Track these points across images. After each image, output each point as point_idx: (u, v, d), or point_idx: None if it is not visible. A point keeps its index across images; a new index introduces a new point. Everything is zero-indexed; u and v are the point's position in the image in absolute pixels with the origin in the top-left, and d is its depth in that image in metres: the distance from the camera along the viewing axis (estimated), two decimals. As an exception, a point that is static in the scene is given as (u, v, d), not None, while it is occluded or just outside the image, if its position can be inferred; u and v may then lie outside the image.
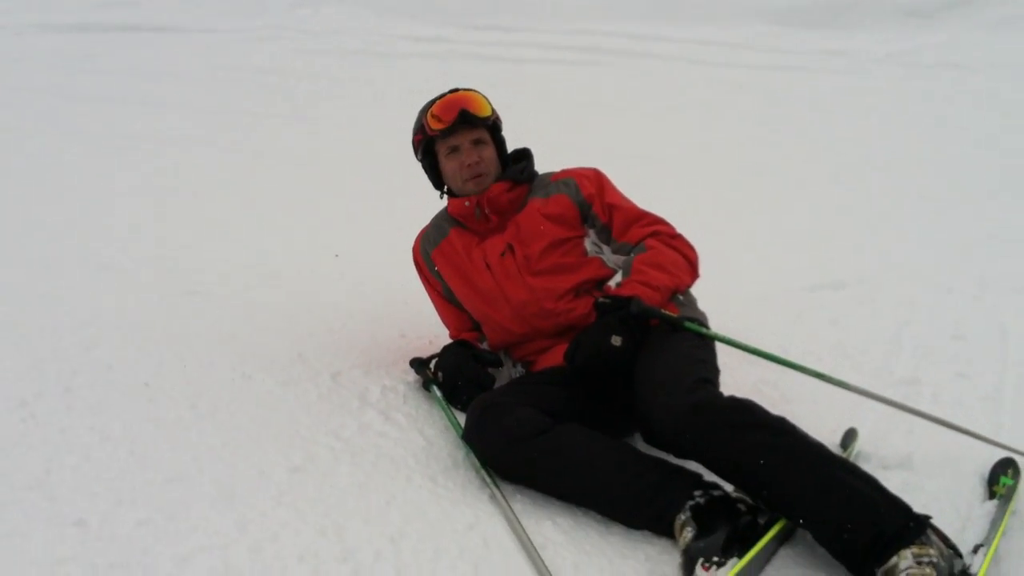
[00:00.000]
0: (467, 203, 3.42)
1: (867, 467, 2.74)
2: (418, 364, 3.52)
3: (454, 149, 3.39)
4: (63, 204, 6.07)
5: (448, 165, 3.42)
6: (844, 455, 2.98)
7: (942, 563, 2.23)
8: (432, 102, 3.43)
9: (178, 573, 2.21)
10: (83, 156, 7.61)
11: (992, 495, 2.86)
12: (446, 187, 3.54)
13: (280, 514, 2.49)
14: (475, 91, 3.46)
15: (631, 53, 12.74)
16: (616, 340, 2.93)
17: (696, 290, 3.41)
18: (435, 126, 3.35)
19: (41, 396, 3.02)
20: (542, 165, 3.62)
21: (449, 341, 3.61)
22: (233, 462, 2.75)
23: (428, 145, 3.45)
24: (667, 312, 3.07)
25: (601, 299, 3.10)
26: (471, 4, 15.01)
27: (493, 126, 3.46)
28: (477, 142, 3.40)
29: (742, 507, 2.50)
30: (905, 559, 2.22)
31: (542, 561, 2.36)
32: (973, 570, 2.32)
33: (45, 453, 2.68)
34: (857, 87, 10.86)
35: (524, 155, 3.58)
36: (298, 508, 2.53)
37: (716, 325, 3.31)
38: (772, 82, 11.24)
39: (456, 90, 3.45)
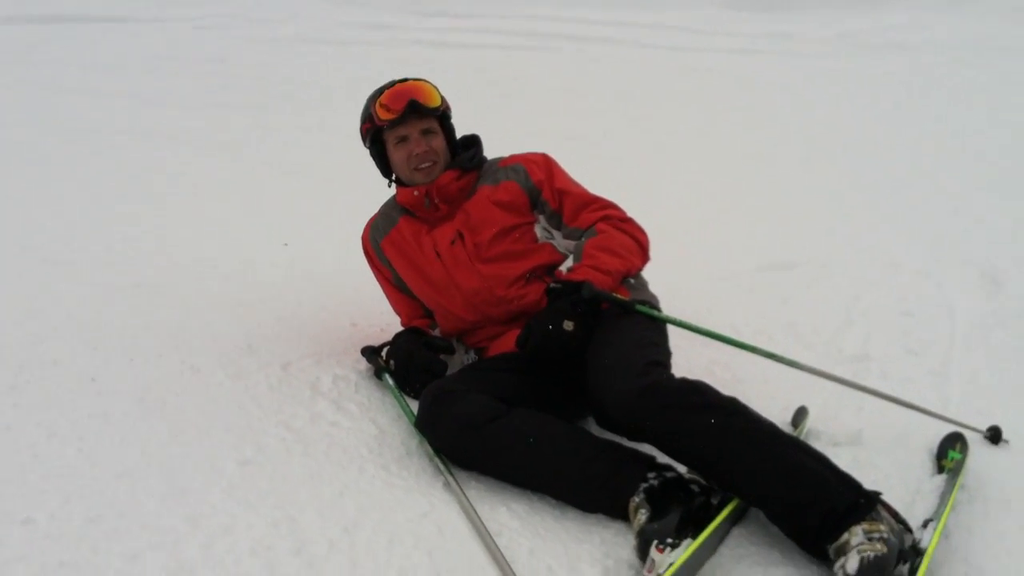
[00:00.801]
0: (416, 192, 3.39)
1: (817, 445, 2.77)
2: (370, 352, 3.50)
3: (402, 139, 3.36)
4: (4, 195, 5.97)
5: (396, 155, 3.39)
6: (795, 433, 3.00)
7: (892, 538, 2.25)
8: (380, 91, 3.39)
9: (129, 570, 2.19)
10: (23, 147, 7.49)
11: (941, 469, 2.90)
12: (394, 176, 3.51)
13: (231, 507, 2.47)
14: (424, 80, 3.43)
15: (583, 38, 12.78)
16: (568, 325, 2.93)
17: (648, 273, 3.42)
18: (384, 116, 3.32)
19: (-15, 393, 2.98)
20: (492, 151, 3.60)
21: (400, 329, 3.60)
22: (183, 456, 2.72)
23: (376, 134, 3.42)
24: (618, 296, 3.07)
25: (552, 284, 3.09)
26: (422, -10, 14.99)
27: (443, 115, 3.44)
28: (426, 132, 3.37)
29: (695, 488, 2.51)
30: (856, 535, 2.24)
31: (497, 547, 2.35)
32: (923, 544, 2.34)
33: (-10, 451, 2.64)
34: (806, 70, 10.94)
35: (473, 142, 3.56)
36: (249, 501, 2.51)
37: (668, 307, 3.32)
38: (725, 65, 11.33)
39: (405, 80, 3.42)
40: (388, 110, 3.31)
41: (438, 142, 3.40)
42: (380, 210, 3.67)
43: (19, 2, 14.48)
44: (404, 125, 3.34)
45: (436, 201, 3.39)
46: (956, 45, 11.08)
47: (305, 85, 10.55)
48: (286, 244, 5.11)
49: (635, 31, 12.92)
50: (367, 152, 3.54)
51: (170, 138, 8.09)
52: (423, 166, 3.37)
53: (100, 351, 3.40)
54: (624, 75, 11.02)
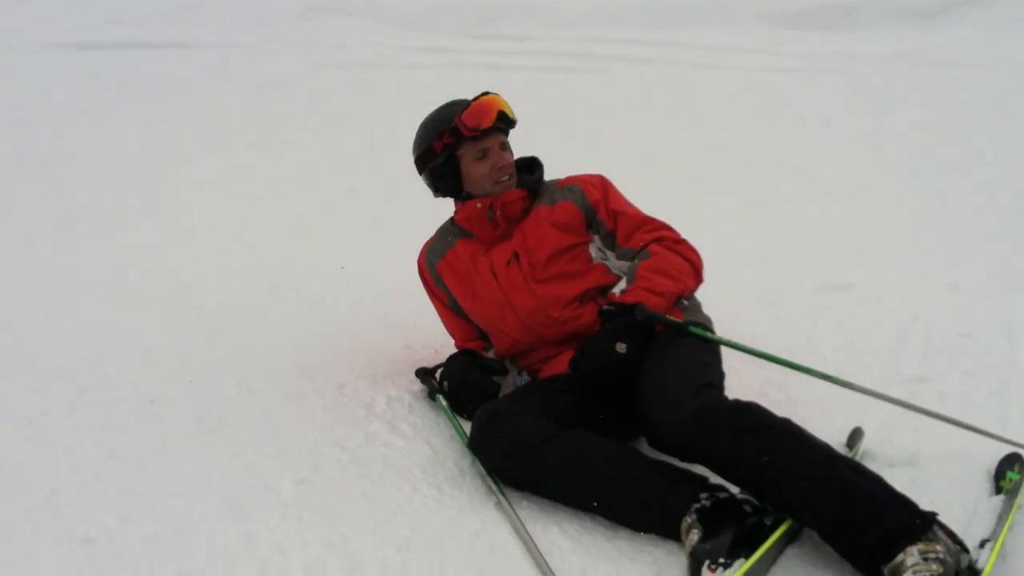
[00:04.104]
0: (479, 204, 3.40)
1: (873, 466, 2.74)
2: (423, 374, 3.52)
3: (484, 153, 3.38)
4: (69, 220, 6.09)
5: (478, 168, 3.38)
6: (850, 454, 2.97)
7: (948, 559, 2.22)
8: (457, 106, 3.40)
9: (185, 589, 2.22)
10: (90, 172, 7.62)
11: (999, 490, 2.86)
12: (464, 192, 3.51)
13: (287, 527, 2.50)
14: (500, 95, 3.47)
15: (636, 59, 12.73)
16: (621, 347, 2.94)
17: (701, 294, 3.41)
18: (475, 124, 3.31)
19: (47, 414, 3.04)
20: (550, 171, 3.62)
21: (454, 351, 3.62)
22: (239, 476, 2.76)
23: (453, 149, 3.43)
24: (672, 317, 3.07)
25: (606, 306, 3.10)
26: (476, 14, 15.04)
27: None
28: (503, 146, 3.42)
29: (748, 508, 2.50)
30: (911, 556, 2.22)
31: (548, 566, 2.36)
32: (980, 565, 2.31)
33: (51, 471, 2.69)
34: (864, 88, 10.83)
35: (536, 165, 3.59)
36: (304, 520, 2.54)
37: (721, 329, 3.31)
38: (778, 84, 11.22)
39: (486, 93, 3.44)
40: (479, 120, 3.32)
41: (512, 157, 3.45)
42: (436, 233, 3.70)
43: (84, 29, 14.77)
44: (488, 137, 3.36)
45: (498, 215, 3.41)
46: (1014, 63, 10.89)
47: (362, 108, 10.64)
48: (343, 267, 5.16)
49: (688, 51, 12.87)
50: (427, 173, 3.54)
51: (230, 162, 8.19)
52: (504, 179, 3.40)
53: (160, 373, 3.46)
54: (677, 95, 10.99)
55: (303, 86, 11.85)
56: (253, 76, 12.28)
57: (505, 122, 3.37)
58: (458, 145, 3.38)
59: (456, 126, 3.35)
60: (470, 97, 3.42)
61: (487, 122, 3.32)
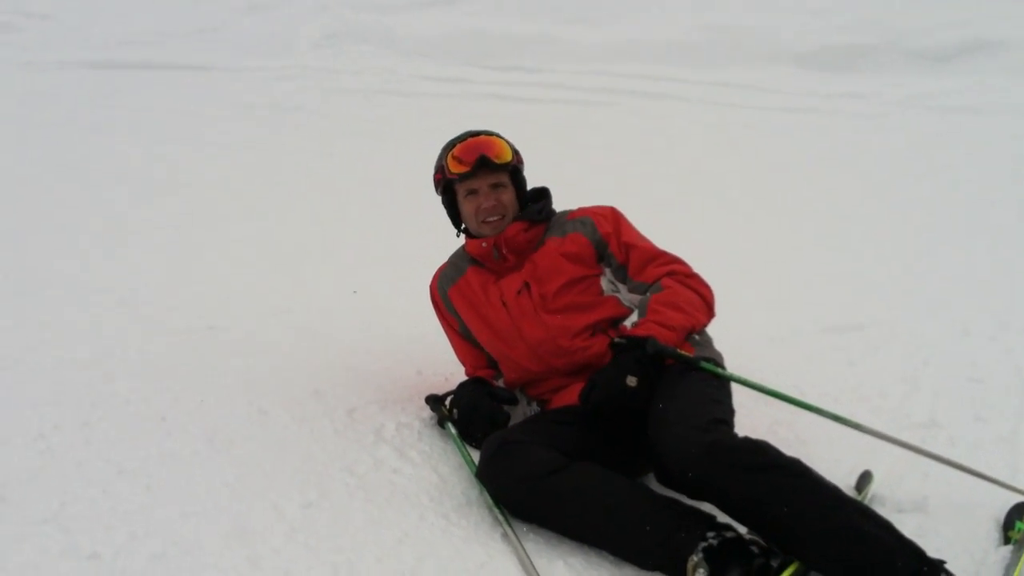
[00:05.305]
0: (484, 244, 3.44)
1: (882, 510, 2.72)
2: (433, 401, 3.53)
3: (472, 192, 3.42)
4: (83, 237, 6.11)
5: (466, 207, 3.45)
6: (859, 498, 2.97)
7: (956, 608, 2.22)
8: (454, 142, 3.46)
9: (191, 608, 2.22)
10: (104, 190, 7.65)
11: (1007, 540, 2.85)
12: (464, 226, 3.57)
13: (293, 550, 2.49)
14: (497, 135, 3.49)
15: (649, 94, 12.79)
16: (631, 380, 2.93)
17: (712, 330, 3.42)
18: (455, 169, 3.38)
19: (59, 429, 3.03)
20: (560, 204, 3.64)
21: (465, 378, 3.62)
22: (248, 497, 2.75)
23: (448, 185, 3.48)
24: (683, 352, 3.07)
25: (617, 339, 3.10)
26: (491, 45, 15.11)
27: (514, 169, 3.49)
28: (495, 186, 3.42)
29: (755, 549, 2.48)
30: (919, 603, 2.21)
31: (554, 601, 2.36)
32: (987, 615, 2.30)
33: (61, 486, 2.68)
34: (876, 130, 10.87)
35: (543, 194, 3.60)
36: (310, 545, 2.53)
37: (732, 365, 3.31)
38: (791, 124, 11.26)
39: (478, 133, 3.48)
40: (460, 163, 3.37)
41: (507, 196, 3.45)
42: (449, 260, 3.72)
43: (103, 48, 14.84)
44: (474, 179, 3.39)
45: (504, 252, 3.43)
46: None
47: (376, 135, 10.69)
48: (355, 291, 5.17)
49: (699, 88, 12.92)
50: (437, 201, 3.60)
51: (242, 184, 8.23)
52: (490, 219, 3.42)
53: (171, 392, 3.46)
54: (686, 131, 11.04)
55: (317, 111, 11.92)
56: (267, 100, 12.34)
57: (488, 166, 3.38)
58: (452, 182, 3.43)
59: (443, 164, 3.41)
60: (481, 127, 3.47)
61: (466, 164, 3.37)
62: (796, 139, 10.59)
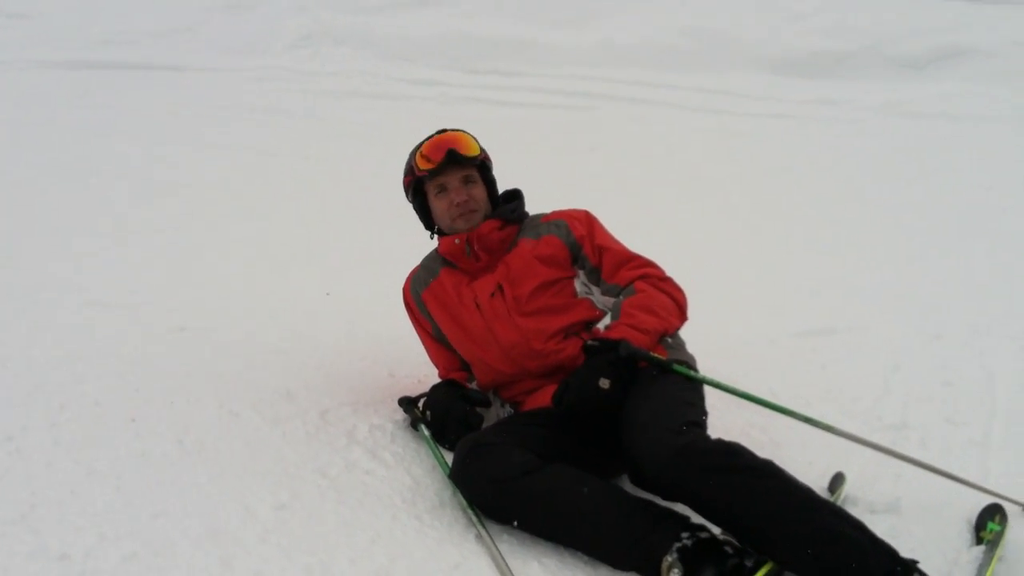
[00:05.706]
0: (457, 240, 3.43)
1: (855, 511, 2.74)
2: (406, 403, 3.51)
3: (442, 188, 3.42)
4: (54, 238, 6.07)
5: (437, 204, 3.45)
6: (832, 499, 2.98)
7: (928, 608, 2.23)
8: (421, 144, 3.47)
9: (161, 610, 2.20)
10: (74, 190, 7.59)
11: (979, 541, 2.87)
12: (436, 227, 3.56)
13: (265, 551, 2.47)
14: (463, 131, 3.50)
15: (627, 99, 12.82)
16: (604, 383, 2.93)
17: (685, 333, 3.42)
18: (424, 166, 3.39)
19: (27, 430, 3.01)
20: (536, 207, 3.64)
21: (438, 381, 3.61)
22: (219, 499, 2.73)
23: (418, 185, 3.48)
24: (656, 355, 3.07)
25: (590, 341, 3.10)
26: (469, 49, 15.10)
27: (482, 165, 3.49)
28: (466, 180, 3.44)
29: (729, 549, 2.49)
30: (891, 603, 2.22)
31: (527, 602, 2.35)
32: (959, 616, 2.32)
33: (30, 487, 2.66)
34: (851, 136, 10.92)
35: (515, 195, 3.61)
36: (283, 546, 2.51)
37: (705, 368, 3.32)
38: (768, 130, 11.31)
39: (444, 131, 3.49)
40: (428, 160, 3.38)
41: (478, 191, 3.46)
42: (422, 262, 3.72)
43: (80, 47, 14.73)
44: (444, 174, 3.40)
45: (476, 249, 3.42)
46: (1007, 117, 11.00)
47: (353, 137, 10.67)
48: (328, 293, 5.15)
49: (678, 93, 12.95)
50: (410, 205, 3.59)
51: (218, 185, 8.19)
52: (464, 213, 3.41)
53: (141, 393, 3.43)
54: (665, 136, 11.07)
55: (294, 112, 11.88)
56: (244, 101, 12.29)
57: (456, 160, 3.39)
58: (422, 181, 3.42)
59: (412, 164, 3.42)
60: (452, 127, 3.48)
61: (434, 161, 3.37)
62: (774, 146, 10.63)
